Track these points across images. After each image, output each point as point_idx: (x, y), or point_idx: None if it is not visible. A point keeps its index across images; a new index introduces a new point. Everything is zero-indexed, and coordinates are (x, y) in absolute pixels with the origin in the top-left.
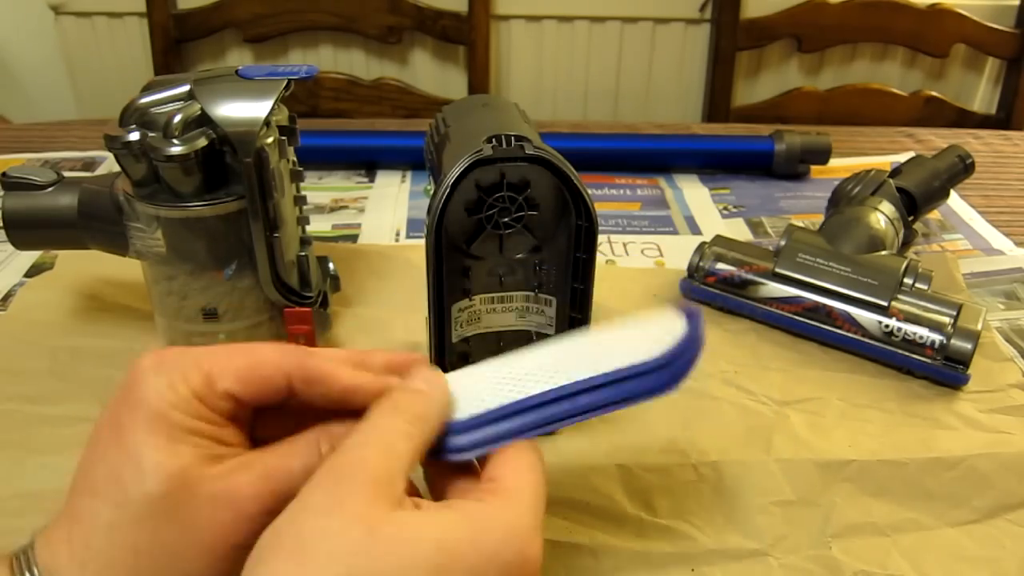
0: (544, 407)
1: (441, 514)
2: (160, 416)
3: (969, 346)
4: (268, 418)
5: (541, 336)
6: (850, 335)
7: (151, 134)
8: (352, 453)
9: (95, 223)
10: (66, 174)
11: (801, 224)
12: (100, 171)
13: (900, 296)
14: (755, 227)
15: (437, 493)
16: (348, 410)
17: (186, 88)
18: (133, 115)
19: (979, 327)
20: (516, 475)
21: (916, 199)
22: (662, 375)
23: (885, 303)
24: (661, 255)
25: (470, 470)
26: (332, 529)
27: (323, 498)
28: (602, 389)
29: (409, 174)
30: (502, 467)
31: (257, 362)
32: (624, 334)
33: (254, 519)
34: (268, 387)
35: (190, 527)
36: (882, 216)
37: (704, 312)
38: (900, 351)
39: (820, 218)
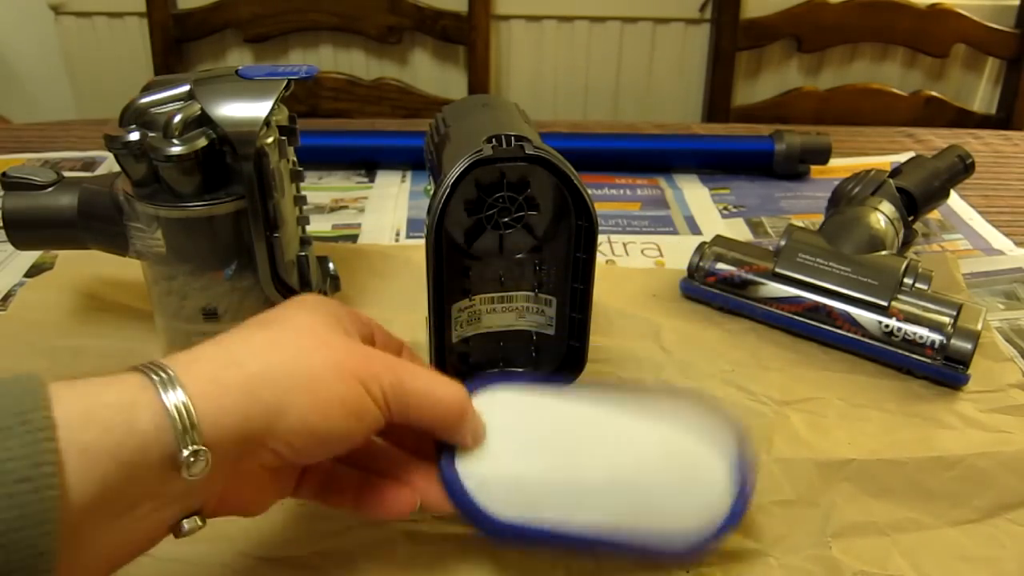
0: (580, 539)
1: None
2: (321, 302)
3: (969, 346)
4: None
5: (542, 336)
6: (850, 335)
7: (151, 134)
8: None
9: (95, 223)
10: (66, 174)
11: (801, 224)
12: (100, 171)
13: (900, 296)
14: (755, 227)
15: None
16: None
17: (186, 88)
18: (133, 115)
19: (979, 327)
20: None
21: (916, 199)
22: (688, 556)
23: (885, 303)
24: (661, 255)
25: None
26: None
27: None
28: (636, 548)
29: (409, 174)
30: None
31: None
32: (684, 464)
33: (376, 378)
34: (391, 345)
35: (320, 343)
36: (882, 216)
37: (704, 312)
38: (900, 351)
39: (820, 218)
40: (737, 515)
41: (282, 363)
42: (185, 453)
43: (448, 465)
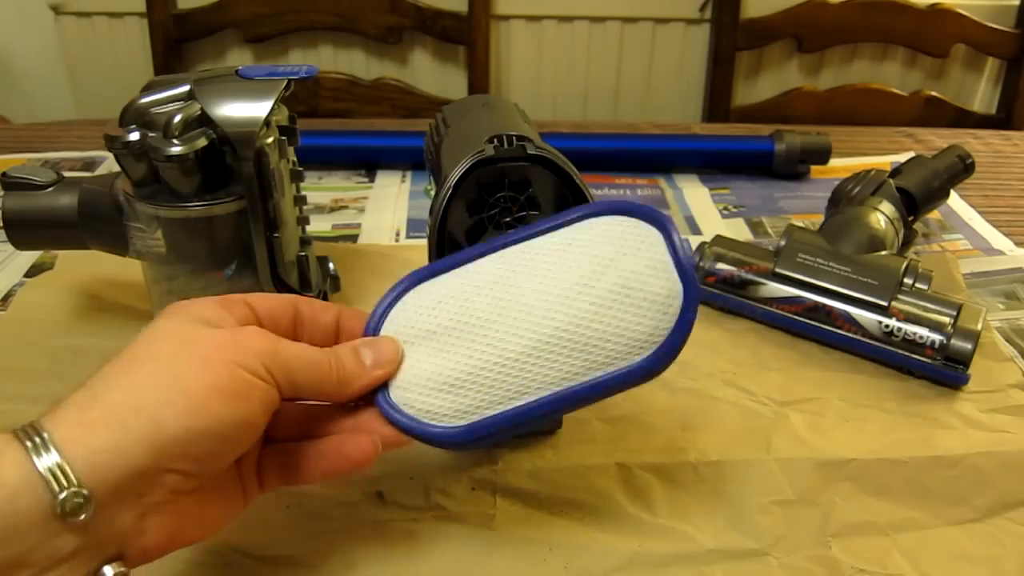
0: (540, 409)
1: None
2: (181, 307)
3: (969, 346)
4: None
5: None
6: (850, 335)
7: (151, 134)
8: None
9: (95, 223)
10: (66, 174)
11: (801, 224)
12: (100, 171)
13: (900, 296)
14: (755, 227)
15: None
16: None
17: (186, 88)
18: (133, 115)
19: (979, 327)
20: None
21: (916, 199)
22: (648, 373)
23: (885, 303)
24: None
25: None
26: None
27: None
28: (600, 389)
29: (409, 174)
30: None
31: (270, 293)
32: (609, 285)
33: (249, 353)
34: (277, 304)
35: (193, 353)
36: (882, 216)
37: (704, 312)
38: (900, 351)
39: (820, 218)
40: (692, 302)
41: (142, 380)
42: (61, 497)
43: (384, 400)
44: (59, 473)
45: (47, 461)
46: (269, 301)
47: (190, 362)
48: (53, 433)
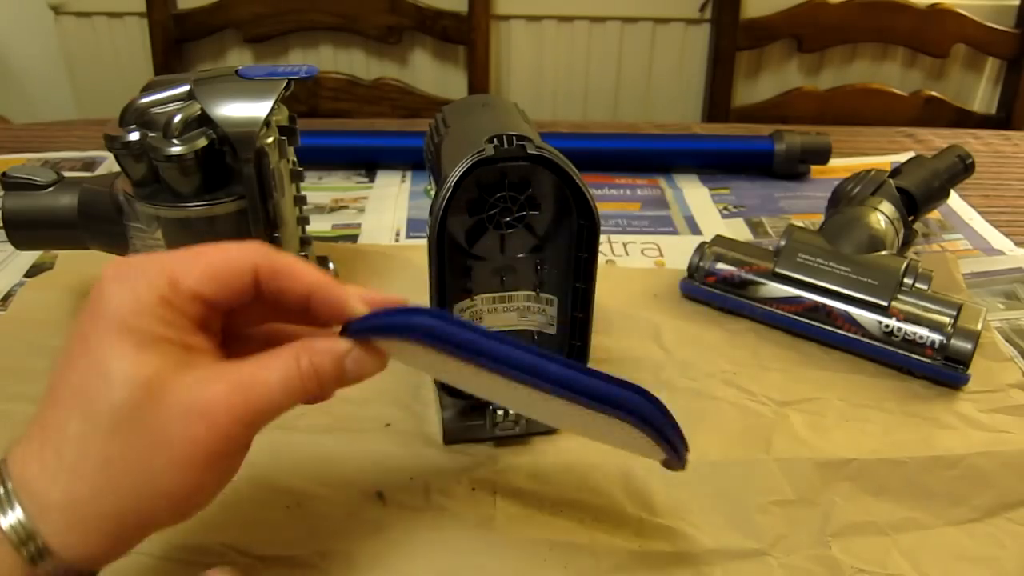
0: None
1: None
2: (124, 324)
3: (969, 346)
4: (242, 344)
5: (543, 336)
6: (850, 335)
7: (151, 134)
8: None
9: (95, 223)
10: (66, 174)
11: (801, 224)
12: (100, 171)
13: (900, 296)
14: (755, 227)
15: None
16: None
17: (186, 88)
18: (133, 115)
19: (979, 327)
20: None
21: (916, 199)
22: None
23: (885, 303)
24: (661, 255)
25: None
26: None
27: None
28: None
29: (409, 174)
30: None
31: (223, 258)
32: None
33: (229, 432)
34: (235, 282)
35: (162, 439)
36: (882, 216)
37: (704, 312)
38: (900, 351)
39: (820, 218)
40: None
41: (117, 474)
42: (25, 553)
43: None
44: (24, 534)
45: (11, 520)
46: (225, 287)
47: (169, 458)
48: (26, 505)
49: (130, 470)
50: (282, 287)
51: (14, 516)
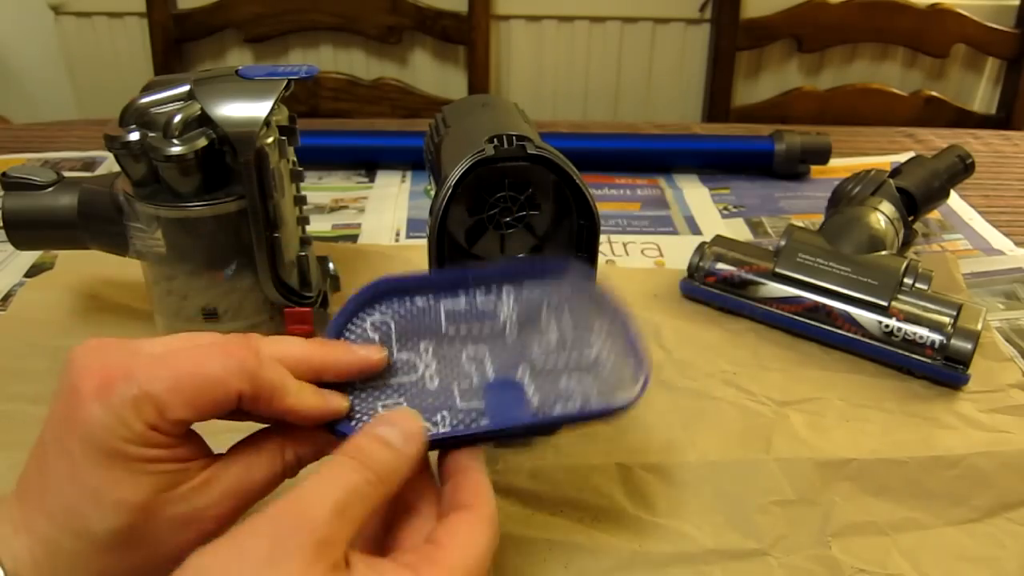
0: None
1: None
2: (114, 450)
3: (969, 346)
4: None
5: None
6: (850, 335)
7: (151, 134)
8: (302, 504)
9: (95, 223)
10: (66, 174)
11: (801, 224)
12: (100, 171)
13: (900, 296)
14: (755, 227)
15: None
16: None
17: (186, 88)
18: (133, 115)
19: (979, 327)
20: (463, 552)
21: (916, 199)
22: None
23: (885, 303)
24: (661, 255)
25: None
26: None
27: (260, 550)
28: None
29: (409, 174)
30: (453, 538)
31: (206, 384)
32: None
33: (217, 533)
34: (219, 407)
35: (154, 549)
36: (882, 216)
37: (704, 312)
38: (900, 351)
39: (820, 218)
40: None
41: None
42: None
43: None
44: None
45: None
46: (210, 407)
47: (163, 569)
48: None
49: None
50: (266, 410)
51: None
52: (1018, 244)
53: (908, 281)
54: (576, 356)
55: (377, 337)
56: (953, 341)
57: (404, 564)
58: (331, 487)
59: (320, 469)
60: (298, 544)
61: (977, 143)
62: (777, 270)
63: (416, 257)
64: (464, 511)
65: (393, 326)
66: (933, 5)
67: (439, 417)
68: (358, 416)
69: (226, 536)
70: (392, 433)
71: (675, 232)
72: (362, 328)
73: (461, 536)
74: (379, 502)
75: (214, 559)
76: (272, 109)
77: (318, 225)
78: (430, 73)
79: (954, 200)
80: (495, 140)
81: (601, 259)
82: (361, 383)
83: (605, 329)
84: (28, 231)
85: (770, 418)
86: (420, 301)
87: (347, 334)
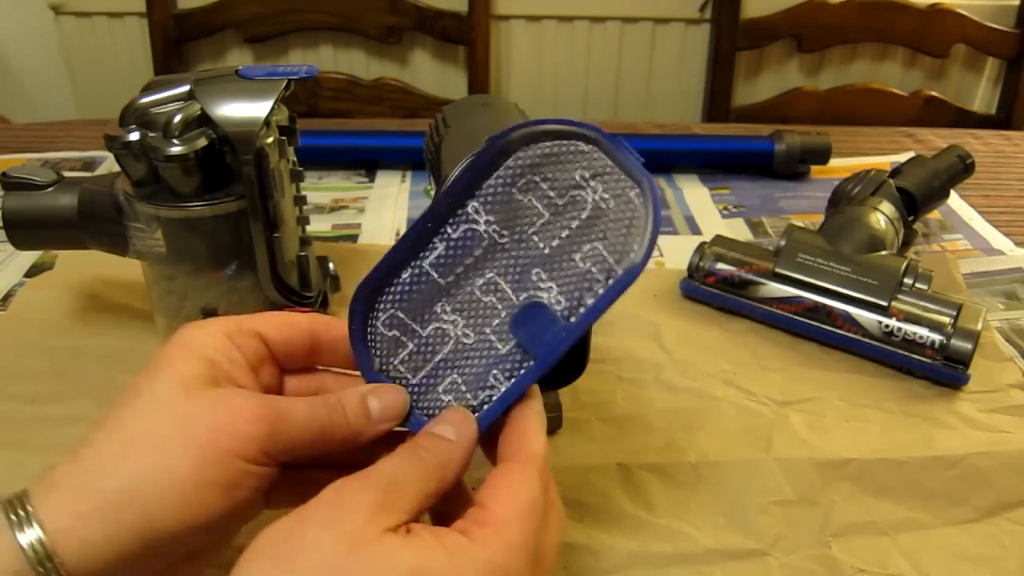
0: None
1: (424, 541)
2: (187, 343)
3: (969, 346)
4: None
5: None
6: (850, 335)
7: (151, 134)
8: (360, 477)
9: (95, 223)
10: (66, 174)
11: (801, 224)
12: (100, 171)
13: (900, 296)
14: (755, 227)
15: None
16: None
17: (186, 88)
18: (133, 115)
19: (979, 327)
20: (508, 505)
21: (916, 199)
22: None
23: (885, 303)
24: (661, 255)
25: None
26: (322, 542)
27: (324, 513)
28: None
29: (409, 174)
30: (495, 493)
31: (287, 316)
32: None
33: (247, 439)
34: (294, 334)
35: (185, 417)
36: (882, 216)
37: (704, 312)
38: (900, 351)
39: (820, 218)
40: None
41: (140, 471)
42: None
43: (416, 423)
44: (50, 569)
45: (39, 557)
46: (285, 331)
47: (185, 450)
48: (46, 523)
49: (147, 463)
50: (335, 354)
51: (33, 534)
52: (1018, 244)
53: (908, 281)
54: (574, 215)
55: (396, 332)
56: (953, 341)
57: (459, 530)
58: (387, 464)
59: (382, 460)
60: (356, 504)
61: (977, 143)
62: (777, 270)
63: None
64: (504, 463)
65: (402, 314)
66: (933, 5)
67: (492, 378)
68: (423, 407)
69: (295, 510)
70: (446, 428)
71: (675, 232)
72: (379, 335)
73: (503, 489)
74: (436, 487)
75: (281, 525)
76: (272, 109)
77: (318, 225)
78: (430, 73)
79: (954, 200)
80: None
81: None
82: (412, 374)
83: (588, 170)
84: (28, 231)
85: (770, 418)
86: (405, 274)
87: (372, 349)
